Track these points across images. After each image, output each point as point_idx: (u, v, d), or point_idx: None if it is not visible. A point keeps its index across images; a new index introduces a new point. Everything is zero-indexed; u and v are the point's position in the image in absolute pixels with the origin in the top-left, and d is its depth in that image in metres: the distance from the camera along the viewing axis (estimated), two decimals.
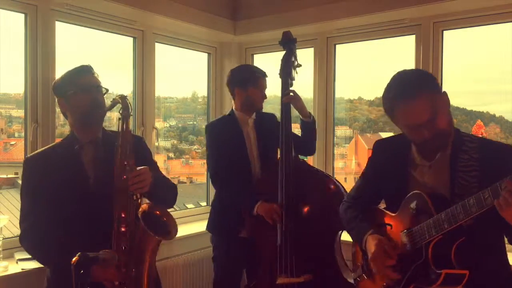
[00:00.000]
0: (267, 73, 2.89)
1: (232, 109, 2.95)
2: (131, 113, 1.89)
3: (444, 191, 1.63)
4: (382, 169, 1.84)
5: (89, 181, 1.92)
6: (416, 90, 1.57)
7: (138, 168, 1.82)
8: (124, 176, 1.80)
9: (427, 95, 1.56)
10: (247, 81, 2.84)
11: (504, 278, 1.66)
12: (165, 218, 1.75)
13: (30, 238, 1.90)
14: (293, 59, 2.77)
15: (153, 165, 2.13)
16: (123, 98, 1.86)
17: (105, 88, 1.98)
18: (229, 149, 2.80)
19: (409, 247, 1.66)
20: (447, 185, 1.64)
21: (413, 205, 1.66)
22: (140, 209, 1.74)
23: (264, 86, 2.87)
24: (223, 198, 2.87)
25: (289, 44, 2.78)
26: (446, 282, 1.52)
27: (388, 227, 1.79)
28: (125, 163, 1.81)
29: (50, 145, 2.11)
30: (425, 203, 1.60)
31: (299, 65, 2.83)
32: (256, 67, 2.94)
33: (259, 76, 2.85)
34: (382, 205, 1.93)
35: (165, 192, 2.03)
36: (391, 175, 1.78)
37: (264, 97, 2.89)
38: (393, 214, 1.78)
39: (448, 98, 1.65)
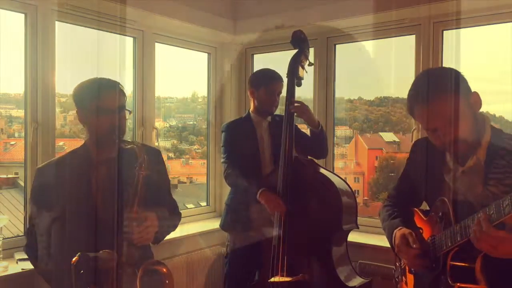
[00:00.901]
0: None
1: (248, 110, 2.99)
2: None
3: (475, 199, 1.51)
4: (418, 170, 1.78)
5: (96, 206, 1.82)
6: (431, 92, 1.48)
7: (145, 216, 1.73)
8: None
9: (444, 98, 1.47)
10: (260, 82, 2.87)
11: None
12: (167, 281, 1.72)
13: (35, 252, 1.87)
14: (302, 58, 2.75)
15: (166, 183, 2.08)
16: (140, 149, 1.75)
17: (129, 110, 1.86)
18: (242, 150, 2.83)
19: (433, 254, 1.60)
20: (478, 193, 1.51)
21: (439, 212, 1.60)
22: (143, 266, 1.68)
23: (276, 90, 2.87)
24: (235, 196, 2.91)
25: (299, 43, 2.76)
26: None
27: (421, 230, 1.74)
28: (134, 209, 1.71)
29: (63, 154, 2.02)
30: (448, 211, 1.54)
31: (311, 64, 2.84)
32: (274, 71, 2.92)
33: (272, 79, 2.86)
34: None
35: (168, 230, 2.00)
36: (426, 178, 1.72)
37: (275, 101, 2.88)
38: (425, 218, 1.73)
39: (478, 99, 1.52)
